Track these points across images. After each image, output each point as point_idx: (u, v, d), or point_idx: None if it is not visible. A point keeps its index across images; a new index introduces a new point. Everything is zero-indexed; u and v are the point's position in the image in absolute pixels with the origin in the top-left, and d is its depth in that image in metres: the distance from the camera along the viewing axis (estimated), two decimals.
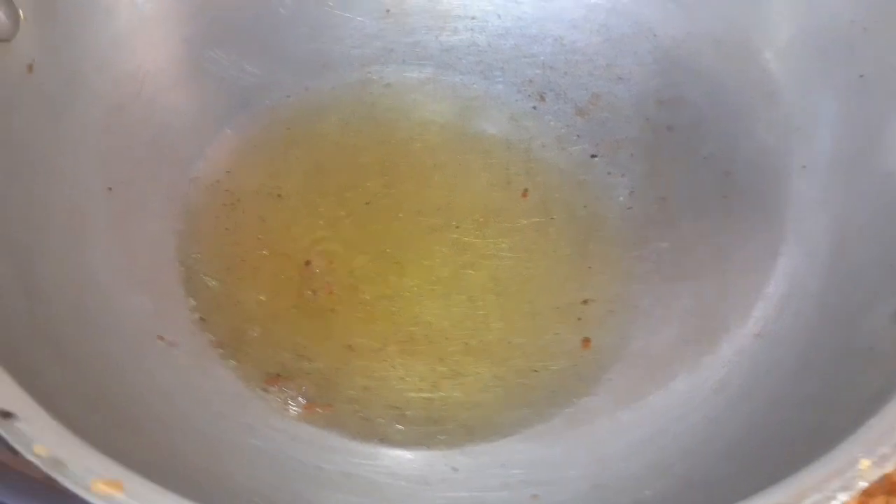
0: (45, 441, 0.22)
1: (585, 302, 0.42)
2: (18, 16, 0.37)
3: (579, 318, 0.42)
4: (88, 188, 0.40)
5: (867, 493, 0.33)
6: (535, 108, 0.50)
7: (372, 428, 0.37)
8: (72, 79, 0.40)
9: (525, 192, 0.46)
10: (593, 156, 0.48)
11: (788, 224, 0.41)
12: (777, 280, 0.39)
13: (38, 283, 0.33)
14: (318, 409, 0.37)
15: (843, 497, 0.24)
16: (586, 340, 0.41)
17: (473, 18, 0.52)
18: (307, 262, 0.42)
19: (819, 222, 0.39)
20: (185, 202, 0.43)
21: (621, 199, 0.47)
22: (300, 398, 0.38)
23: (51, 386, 0.28)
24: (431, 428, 0.38)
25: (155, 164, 0.43)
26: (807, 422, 0.32)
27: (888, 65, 0.40)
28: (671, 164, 0.47)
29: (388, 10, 0.51)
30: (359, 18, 0.51)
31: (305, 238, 0.43)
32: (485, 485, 0.34)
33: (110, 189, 0.41)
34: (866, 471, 0.24)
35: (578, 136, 0.49)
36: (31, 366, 0.28)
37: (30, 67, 0.38)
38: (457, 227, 0.45)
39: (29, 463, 0.21)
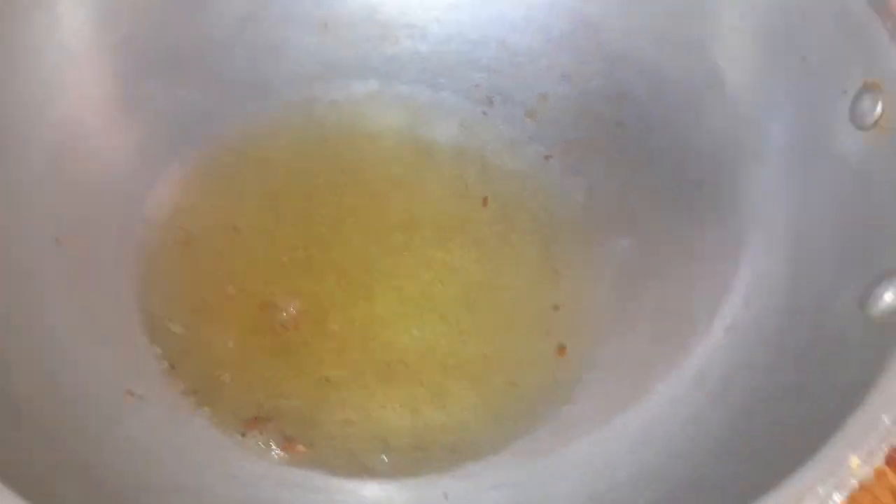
0: None
1: (556, 308, 0.43)
2: None
3: (552, 326, 0.42)
4: (35, 243, 0.38)
5: None
6: (484, 113, 0.50)
7: (357, 462, 0.37)
8: (3, 128, 0.38)
9: (485, 201, 0.46)
10: (547, 157, 0.48)
11: (746, 214, 0.41)
12: (740, 271, 0.40)
13: (14, 355, 0.32)
14: (300, 449, 0.37)
15: (838, 498, 0.24)
16: (562, 348, 0.41)
17: (414, 27, 0.51)
18: (272, 296, 0.41)
19: (777, 210, 0.40)
20: (139, 246, 0.42)
21: (579, 199, 0.47)
22: (280, 439, 0.37)
23: (19, 461, 0.26)
24: (417, 454, 0.37)
25: (102, 208, 0.42)
26: (789, 415, 0.32)
27: (828, 47, 0.40)
28: (625, 161, 0.47)
29: (325, 24, 0.50)
30: (296, 35, 0.49)
31: (268, 271, 0.42)
32: None
33: (58, 241, 0.39)
34: (857, 469, 0.25)
35: (530, 138, 0.49)
36: None
37: None
38: (420, 243, 0.45)
39: None
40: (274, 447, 0.36)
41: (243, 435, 0.37)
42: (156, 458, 0.34)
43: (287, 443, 0.37)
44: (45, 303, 0.37)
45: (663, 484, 0.33)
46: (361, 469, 0.36)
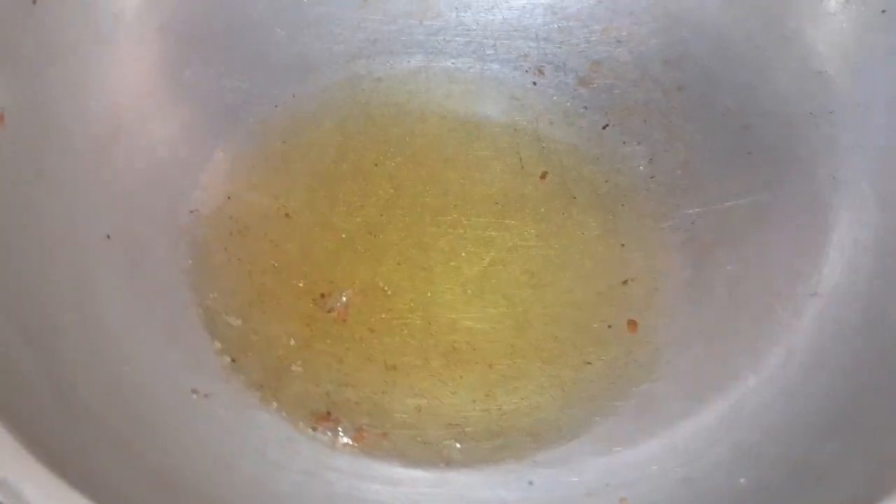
0: None
1: (626, 282, 0.41)
2: None
3: (622, 302, 0.40)
4: (85, 240, 0.37)
5: None
6: (535, 83, 0.48)
7: (433, 450, 0.35)
8: (46, 125, 0.37)
9: (543, 175, 0.44)
10: (605, 126, 0.46)
11: (823, 173, 0.39)
12: (823, 235, 0.38)
13: (59, 359, 0.30)
14: (372, 440, 0.35)
15: None
16: (632, 323, 0.39)
17: None
18: (330, 285, 0.40)
19: (858, 168, 0.38)
20: (190, 237, 0.40)
21: (641, 168, 0.45)
22: (351, 431, 0.35)
23: (90, 467, 0.25)
24: (495, 441, 0.36)
25: (150, 202, 0.40)
26: (890, 384, 0.31)
27: None
28: (688, 126, 0.45)
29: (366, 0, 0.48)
30: (336, 12, 0.47)
31: (324, 259, 0.41)
32: (567, 495, 0.33)
33: (109, 237, 0.38)
34: None
35: (585, 107, 0.47)
36: (66, 454, 0.25)
37: (0, 118, 0.34)
38: (478, 222, 0.43)
39: None
40: (346, 439, 0.35)
41: (314, 429, 0.35)
42: (228, 459, 0.32)
43: (358, 434, 0.35)
44: (101, 302, 0.35)
45: (762, 463, 0.31)
46: (438, 458, 0.35)
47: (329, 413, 0.36)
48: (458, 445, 0.36)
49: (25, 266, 0.32)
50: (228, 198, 0.42)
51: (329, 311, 0.39)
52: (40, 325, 0.31)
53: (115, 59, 0.41)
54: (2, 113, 0.34)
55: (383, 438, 0.35)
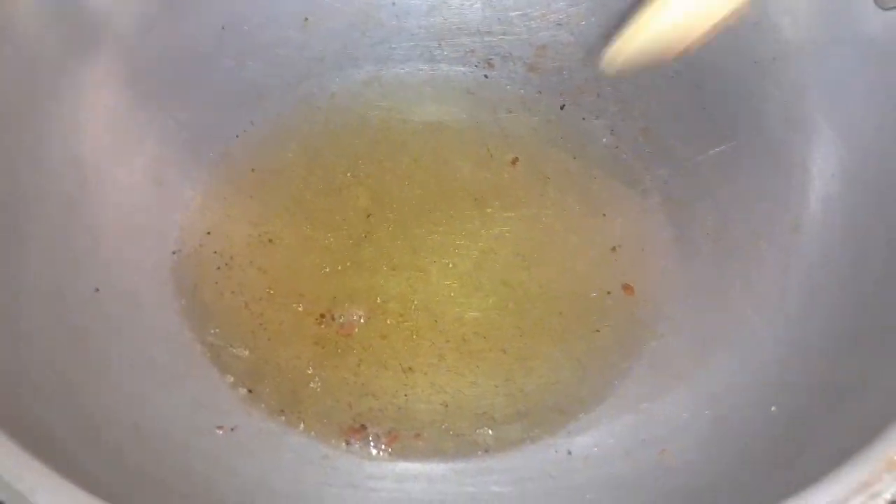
0: None
1: (614, 249, 0.42)
2: None
3: (615, 267, 0.41)
4: (74, 296, 0.35)
5: None
6: (486, 76, 0.49)
7: (468, 442, 0.35)
8: (13, 189, 0.35)
9: (514, 161, 0.45)
10: (562, 107, 0.47)
11: (777, 116, 0.41)
12: (789, 172, 0.40)
13: (78, 413, 0.29)
14: (406, 443, 0.35)
15: None
16: (628, 287, 0.40)
17: (395, 5, 0.49)
18: (329, 302, 0.40)
19: (808, 105, 0.40)
20: (177, 279, 0.40)
21: (605, 140, 0.46)
22: (384, 438, 0.35)
23: None
24: (524, 422, 0.36)
25: (131, 250, 0.39)
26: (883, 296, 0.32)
27: None
28: (641, 94, 0.46)
29: (306, 19, 0.48)
30: (279, 35, 0.47)
31: (317, 277, 0.41)
32: (607, 458, 0.34)
33: (97, 290, 0.36)
34: None
35: (540, 92, 0.48)
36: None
37: None
38: (460, 216, 0.43)
39: None
40: (382, 447, 0.35)
41: (347, 443, 0.35)
42: (268, 485, 0.32)
43: (390, 439, 0.35)
44: (101, 356, 0.34)
45: (788, 393, 0.32)
46: (475, 447, 0.35)
47: (358, 425, 0.35)
48: (490, 432, 0.36)
49: (23, 329, 0.31)
50: (208, 233, 0.41)
51: (334, 329, 0.39)
52: (53, 381, 0.29)
53: (66, 112, 0.40)
54: None
55: (416, 440, 0.35)
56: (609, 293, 0.40)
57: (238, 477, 0.31)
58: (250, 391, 0.36)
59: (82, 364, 0.33)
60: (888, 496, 0.21)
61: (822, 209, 0.38)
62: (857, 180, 0.37)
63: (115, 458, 0.28)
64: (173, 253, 0.40)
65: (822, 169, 0.39)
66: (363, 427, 0.35)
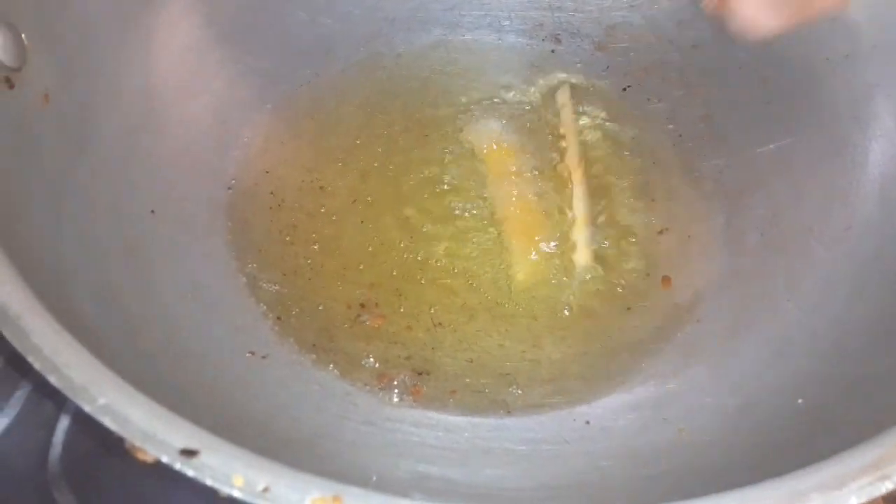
0: (242, 472, 0.20)
1: (661, 232, 0.42)
2: (22, 41, 0.34)
3: (659, 250, 0.41)
4: (131, 214, 0.37)
5: None
6: (553, 51, 0.49)
7: (489, 399, 0.36)
8: (86, 105, 0.37)
9: (568, 139, 0.45)
10: (625, 88, 0.47)
11: (845, 114, 0.40)
12: (849, 171, 0.39)
13: (121, 314, 0.31)
14: (427, 392, 0.36)
15: None
16: (666, 279, 0.40)
17: None
18: (373, 252, 0.40)
19: (879, 105, 0.39)
20: (230, 212, 0.41)
21: (664, 124, 0.46)
22: (407, 385, 0.36)
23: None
24: (546, 388, 0.36)
25: (188, 179, 0.41)
26: None
27: None
28: (706, 82, 0.46)
29: None
30: None
31: (359, 227, 0.41)
32: (624, 431, 0.33)
33: (153, 212, 0.38)
34: None
35: (604, 71, 0.48)
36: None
37: (45, 98, 0.35)
38: (509, 185, 0.44)
39: None
40: (403, 392, 0.35)
41: (372, 385, 0.36)
42: (290, 410, 0.33)
43: (415, 387, 0.36)
44: (150, 270, 0.36)
45: (817, 386, 0.32)
46: (494, 405, 0.35)
47: (383, 370, 0.36)
48: (511, 393, 0.36)
49: (78, 234, 0.33)
50: (267, 172, 0.43)
51: (370, 277, 0.40)
52: (103, 284, 0.31)
53: (145, 43, 0.41)
54: (46, 93, 0.35)
55: (437, 390, 0.36)
56: (648, 275, 0.40)
57: (263, 399, 0.32)
58: (283, 324, 0.37)
59: (131, 274, 0.34)
60: None
61: (879, 210, 0.37)
62: None
63: (149, 363, 0.30)
64: (228, 188, 0.42)
65: (884, 171, 0.38)
66: (387, 373, 0.36)
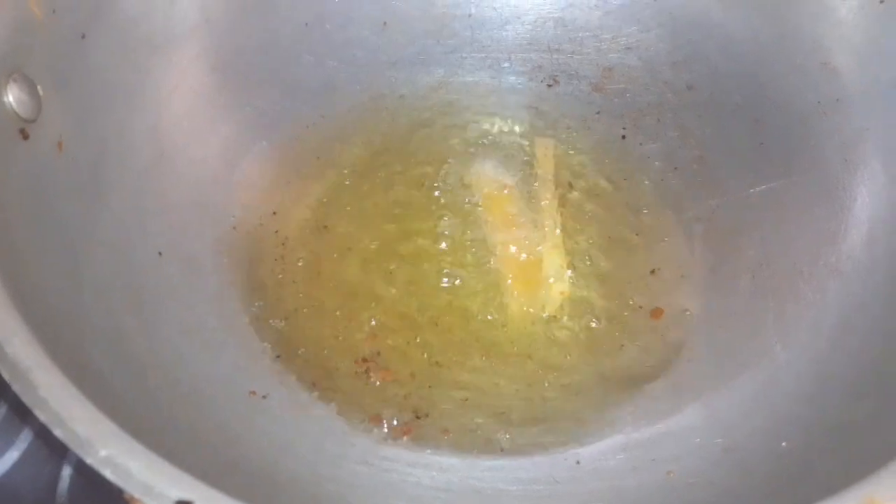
0: None
1: (653, 272, 0.42)
2: (38, 92, 0.36)
3: (651, 289, 0.42)
4: (140, 257, 0.39)
5: None
6: (550, 92, 0.50)
7: (482, 438, 0.37)
8: (99, 150, 0.39)
9: (568, 185, 0.46)
10: (622, 128, 0.48)
11: (835, 158, 0.41)
12: (839, 214, 0.40)
13: (133, 360, 0.32)
14: (423, 432, 0.37)
15: None
16: (657, 311, 0.41)
17: (470, 16, 0.51)
18: (376, 293, 0.42)
19: (868, 149, 0.40)
20: (235, 252, 0.42)
21: (658, 164, 0.47)
22: (402, 423, 0.37)
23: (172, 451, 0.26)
24: (540, 427, 0.37)
25: (196, 221, 0.42)
26: None
27: None
28: (700, 123, 0.47)
29: (385, 23, 0.50)
30: (358, 36, 0.50)
31: (362, 266, 0.43)
32: (614, 471, 0.34)
33: (160, 254, 0.39)
34: None
35: (600, 112, 0.49)
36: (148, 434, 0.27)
37: (59, 145, 0.36)
38: (508, 224, 0.45)
39: None
40: (400, 433, 0.36)
41: (368, 422, 0.37)
42: (290, 449, 0.34)
43: (410, 426, 0.37)
44: (157, 311, 0.37)
45: (801, 429, 0.32)
46: (488, 445, 0.36)
47: (381, 410, 0.37)
48: (505, 433, 0.37)
49: (90, 275, 0.34)
50: (274, 213, 0.44)
51: (372, 315, 0.41)
52: (109, 328, 0.32)
53: (156, 89, 0.43)
54: (60, 141, 0.36)
55: (433, 429, 0.37)
56: (640, 311, 0.41)
57: (265, 438, 0.33)
58: (285, 362, 0.38)
59: (137, 316, 0.36)
60: None
61: (867, 253, 0.38)
62: None
63: (154, 404, 0.31)
64: (234, 228, 0.43)
65: (872, 214, 0.39)
66: (383, 413, 0.37)
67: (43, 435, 0.41)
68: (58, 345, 0.26)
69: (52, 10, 0.37)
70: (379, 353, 0.40)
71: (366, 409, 0.37)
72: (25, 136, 0.35)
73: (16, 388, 0.23)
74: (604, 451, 0.35)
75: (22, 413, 0.42)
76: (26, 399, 0.23)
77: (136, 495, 0.21)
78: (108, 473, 0.21)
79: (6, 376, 0.23)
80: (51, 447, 0.41)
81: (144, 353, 0.35)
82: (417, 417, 0.37)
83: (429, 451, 0.36)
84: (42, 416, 0.23)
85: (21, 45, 0.35)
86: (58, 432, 0.22)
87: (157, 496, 0.21)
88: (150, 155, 0.42)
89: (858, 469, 0.25)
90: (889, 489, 0.22)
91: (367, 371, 0.38)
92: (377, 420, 0.37)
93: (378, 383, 0.38)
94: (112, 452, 0.22)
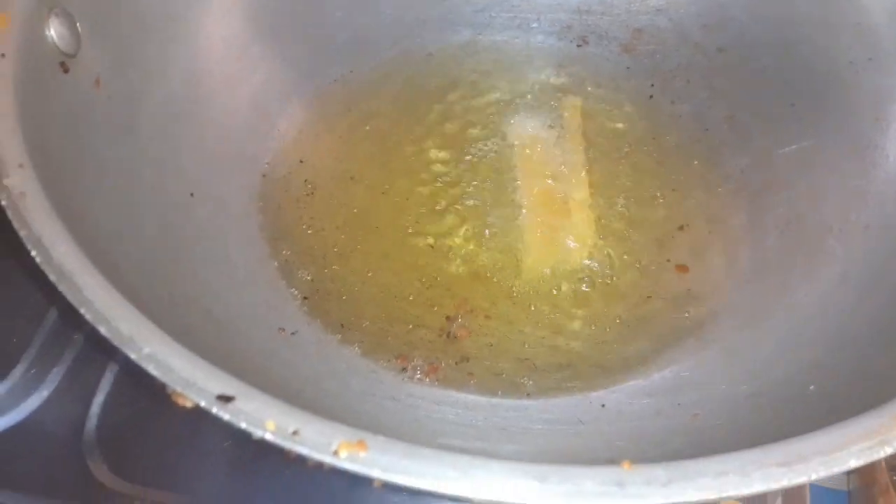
0: (275, 417, 0.21)
1: (681, 228, 0.42)
2: (77, 29, 0.36)
3: (680, 245, 0.42)
4: (172, 197, 0.39)
5: None
6: (580, 52, 0.50)
7: (508, 381, 0.37)
8: (135, 89, 0.39)
9: (592, 140, 0.46)
10: (651, 85, 0.48)
11: (867, 116, 0.41)
12: (869, 172, 0.40)
13: (166, 289, 0.33)
14: (448, 373, 0.37)
15: None
16: (683, 266, 0.41)
17: None
18: (401, 240, 0.42)
19: None
20: (264, 198, 0.43)
21: (688, 124, 0.47)
22: (427, 364, 0.37)
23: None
24: (564, 373, 0.37)
25: (227, 165, 0.43)
26: None
27: None
28: (730, 84, 0.47)
29: None
30: None
31: (388, 216, 0.43)
32: (639, 414, 0.34)
33: (192, 195, 0.40)
34: None
35: (629, 71, 0.49)
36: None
37: (97, 82, 0.37)
38: (532, 182, 0.45)
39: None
40: (424, 373, 0.37)
41: (392, 362, 0.37)
42: (317, 382, 0.34)
43: (433, 368, 0.37)
44: (188, 248, 0.38)
45: (827, 375, 0.32)
46: (513, 388, 0.37)
47: (407, 352, 0.37)
48: (529, 377, 0.37)
49: (125, 205, 0.35)
50: (301, 161, 0.44)
51: (398, 264, 0.41)
52: (144, 257, 0.33)
53: (191, 36, 0.43)
54: (98, 79, 0.37)
55: (458, 371, 0.37)
56: (667, 265, 0.41)
57: (291, 371, 0.34)
58: (311, 304, 0.39)
59: (170, 249, 0.36)
60: None
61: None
62: None
63: (186, 330, 0.31)
64: (263, 175, 0.44)
65: None
66: (410, 354, 0.37)
67: (74, 371, 0.42)
68: (98, 257, 0.26)
69: None
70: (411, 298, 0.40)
71: (391, 350, 0.38)
72: (66, 70, 0.35)
73: (62, 288, 0.23)
74: (629, 396, 0.36)
75: (53, 353, 0.42)
76: (73, 299, 0.23)
77: (179, 390, 0.21)
78: (151, 369, 0.22)
79: (54, 278, 0.24)
80: (81, 386, 0.42)
81: (175, 282, 0.35)
82: (440, 360, 0.37)
83: (454, 390, 0.36)
84: (88, 316, 0.23)
85: None
86: (103, 330, 0.23)
87: (199, 391, 0.22)
88: (185, 99, 0.42)
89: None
90: None
91: (388, 304, 0.39)
92: (403, 360, 0.37)
93: (404, 325, 0.39)
94: (154, 349, 0.22)
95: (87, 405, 0.41)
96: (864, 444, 0.21)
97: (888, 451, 0.21)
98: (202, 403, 0.21)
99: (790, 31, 0.45)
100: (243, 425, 0.21)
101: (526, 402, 0.36)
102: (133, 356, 0.22)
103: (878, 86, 0.41)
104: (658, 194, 0.44)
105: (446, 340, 0.38)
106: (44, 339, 0.43)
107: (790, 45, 0.45)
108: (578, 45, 0.50)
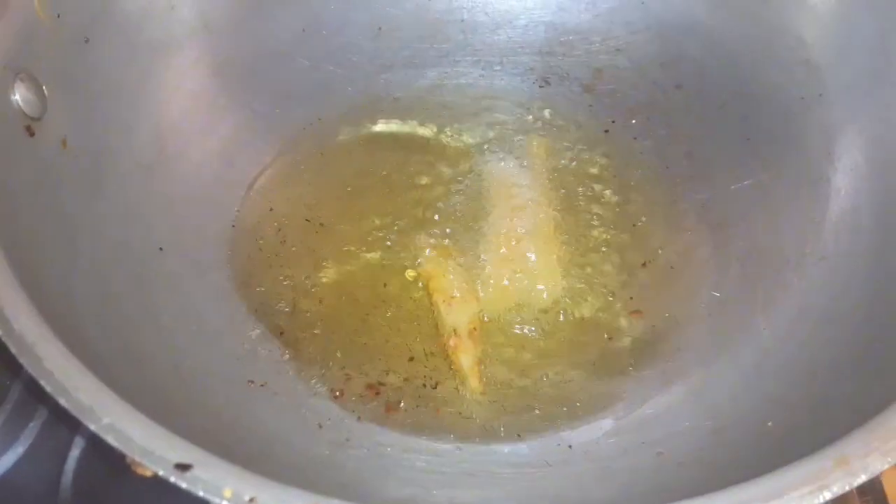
0: (232, 484, 0.22)
1: (644, 265, 0.43)
2: (43, 92, 0.37)
3: (642, 280, 0.43)
4: (141, 251, 0.40)
5: None
6: (542, 93, 0.51)
7: (476, 426, 0.37)
8: (102, 147, 0.40)
9: (556, 176, 0.47)
10: (613, 121, 0.49)
11: (819, 150, 0.42)
12: (823, 204, 0.41)
13: (133, 347, 0.33)
14: (417, 419, 0.38)
15: None
16: (644, 304, 0.42)
17: (462, 21, 0.53)
18: (371, 288, 0.43)
19: (850, 141, 0.41)
20: (234, 248, 0.43)
21: (648, 161, 0.48)
22: (398, 409, 0.38)
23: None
24: (532, 414, 0.38)
25: (196, 218, 0.43)
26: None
27: None
28: (689, 120, 0.48)
29: (379, 28, 0.52)
30: (354, 41, 0.51)
31: (358, 265, 0.44)
32: (605, 455, 0.35)
33: (161, 249, 0.41)
34: None
35: (591, 109, 0.50)
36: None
37: (63, 142, 0.38)
38: (497, 219, 0.46)
39: None
40: (392, 414, 0.37)
41: (362, 407, 0.38)
42: (288, 438, 0.35)
43: (400, 411, 0.38)
44: (159, 306, 0.38)
45: (786, 410, 0.33)
46: (481, 432, 0.37)
47: (374, 393, 0.38)
48: (499, 420, 0.38)
49: (91, 265, 0.35)
50: (271, 210, 0.45)
51: (366, 309, 0.42)
52: (108, 316, 0.33)
53: (158, 90, 0.44)
54: (64, 139, 0.38)
55: (427, 416, 0.38)
56: (631, 303, 0.42)
57: (260, 425, 0.34)
58: (283, 354, 0.39)
59: (138, 306, 0.37)
60: (835, 490, 0.22)
61: (851, 242, 0.39)
62: (889, 217, 0.37)
63: (153, 389, 0.32)
64: (233, 225, 0.44)
65: (856, 203, 0.39)
66: (380, 398, 0.38)
67: (49, 427, 0.42)
68: (60, 324, 0.27)
69: (57, 14, 0.38)
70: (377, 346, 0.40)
71: (361, 395, 0.38)
72: (31, 134, 0.36)
73: (23, 361, 0.24)
74: (595, 436, 0.36)
75: (28, 409, 0.43)
76: (33, 371, 0.24)
77: (137, 459, 0.22)
78: (110, 439, 0.22)
79: (14, 350, 0.24)
80: (56, 442, 0.42)
81: (143, 340, 0.35)
82: (413, 403, 0.38)
83: (425, 437, 0.36)
84: (48, 387, 0.23)
85: (27, 47, 0.36)
86: (63, 401, 0.23)
87: (157, 459, 0.22)
88: (152, 154, 0.43)
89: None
90: (860, 447, 0.23)
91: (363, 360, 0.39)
92: (374, 402, 0.37)
93: (378, 370, 0.39)
94: (114, 419, 0.23)
95: (63, 460, 0.41)
96: (805, 489, 0.22)
97: (827, 496, 0.21)
98: (160, 472, 0.22)
99: (744, 68, 0.47)
100: (201, 493, 0.22)
101: (493, 445, 0.36)
102: (92, 427, 0.23)
103: (828, 121, 0.42)
104: (621, 231, 0.45)
105: (416, 386, 0.39)
106: (18, 395, 0.43)
107: (745, 82, 0.47)
108: (541, 86, 0.51)
